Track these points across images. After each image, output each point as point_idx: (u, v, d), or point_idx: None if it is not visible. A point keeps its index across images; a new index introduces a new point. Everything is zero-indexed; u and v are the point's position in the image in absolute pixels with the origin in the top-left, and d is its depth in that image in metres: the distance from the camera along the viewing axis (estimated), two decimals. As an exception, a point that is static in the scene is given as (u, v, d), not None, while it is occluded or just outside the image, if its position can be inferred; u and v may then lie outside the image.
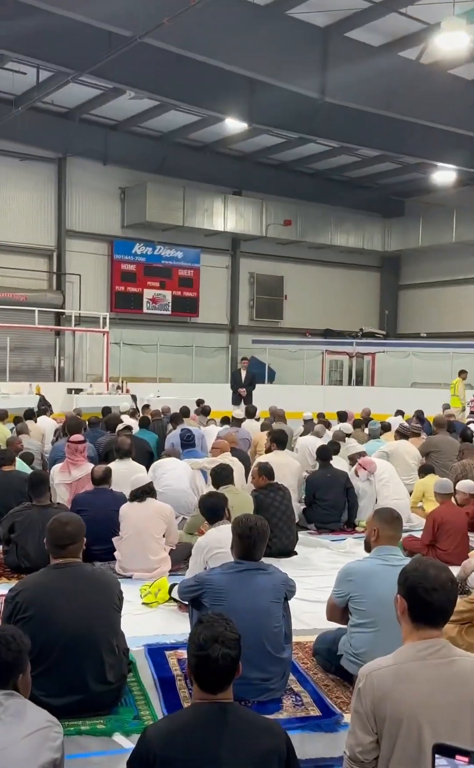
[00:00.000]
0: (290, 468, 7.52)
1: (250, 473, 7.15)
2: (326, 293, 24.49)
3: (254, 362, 19.96)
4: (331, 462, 7.94)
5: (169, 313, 21.50)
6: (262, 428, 10.25)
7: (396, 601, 2.41)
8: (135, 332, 20.50)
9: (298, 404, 15.51)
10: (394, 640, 2.49)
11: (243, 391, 14.96)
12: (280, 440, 7.79)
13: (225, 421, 11.79)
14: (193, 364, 21.35)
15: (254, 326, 23.54)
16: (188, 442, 8.41)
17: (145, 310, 21.04)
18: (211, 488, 6.01)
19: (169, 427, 10.74)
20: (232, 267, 23.07)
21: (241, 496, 6.08)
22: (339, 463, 8.19)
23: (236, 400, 14.87)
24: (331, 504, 7.59)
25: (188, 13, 10.49)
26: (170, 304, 21.46)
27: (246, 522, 3.74)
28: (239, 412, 11.69)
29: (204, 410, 12.94)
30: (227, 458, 7.36)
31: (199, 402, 13.67)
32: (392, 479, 7.85)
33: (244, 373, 15.36)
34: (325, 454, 7.98)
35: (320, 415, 12.88)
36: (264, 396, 15.66)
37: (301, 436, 10.66)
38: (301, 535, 7.05)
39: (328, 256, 24.51)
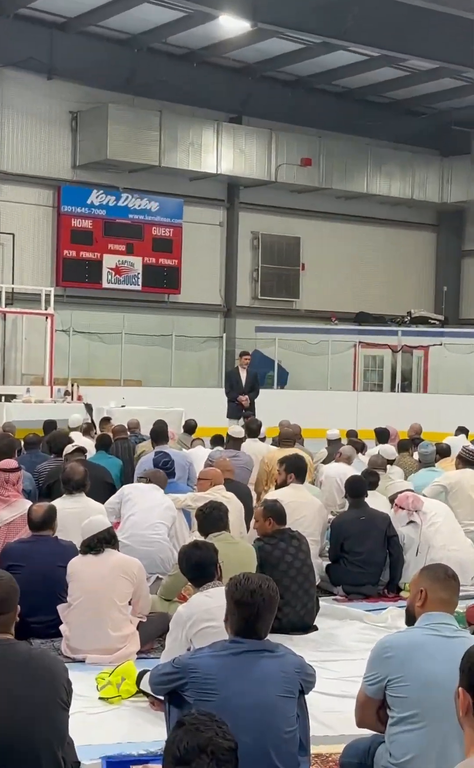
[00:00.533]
0: (309, 508, 7.52)
1: (254, 515, 7.15)
2: (360, 262, 24.54)
3: (258, 358, 19.97)
4: (367, 500, 7.94)
5: (140, 288, 21.55)
6: (281, 443, 10.18)
7: (457, 696, 2.41)
8: (91, 315, 20.51)
9: (320, 418, 15.52)
10: (451, 741, 2.49)
11: (243, 398, 14.95)
12: (297, 468, 7.78)
13: (217, 441, 11.79)
14: (173, 360, 21.37)
15: (259, 308, 23.59)
16: (165, 470, 8.40)
17: (105, 285, 21.10)
18: (197, 536, 6.00)
19: (139, 448, 10.73)
20: (229, 224, 23.12)
21: (239, 548, 6.08)
22: (377, 500, 8.19)
23: (234, 412, 14.87)
24: (365, 559, 7.58)
25: None
26: (140, 276, 21.50)
27: (246, 584, 3.74)
28: (237, 428, 11.70)
29: (188, 426, 12.96)
30: (220, 493, 7.36)
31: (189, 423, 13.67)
32: (448, 523, 7.85)
33: (244, 374, 15.36)
34: (358, 488, 7.98)
35: (351, 434, 12.89)
36: (272, 406, 15.69)
37: (323, 462, 10.64)
38: (324, 602, 7.04)
39: (363, 209, 24.57)
